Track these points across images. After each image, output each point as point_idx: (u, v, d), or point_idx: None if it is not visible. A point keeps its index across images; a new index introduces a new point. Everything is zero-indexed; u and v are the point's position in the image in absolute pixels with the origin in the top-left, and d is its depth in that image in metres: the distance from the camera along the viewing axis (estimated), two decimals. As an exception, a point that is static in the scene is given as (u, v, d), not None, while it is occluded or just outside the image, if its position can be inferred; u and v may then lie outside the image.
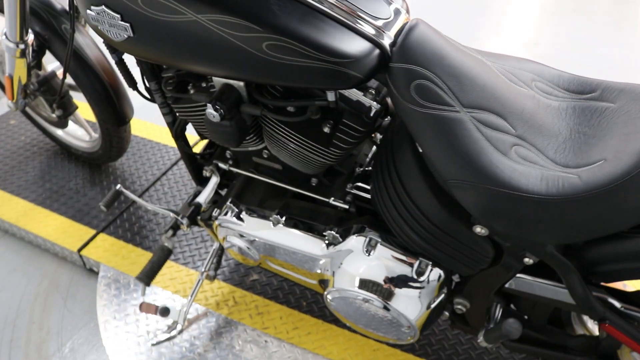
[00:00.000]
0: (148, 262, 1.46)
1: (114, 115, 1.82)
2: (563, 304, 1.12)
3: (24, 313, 1.78)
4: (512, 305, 1.28)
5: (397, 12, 1.06)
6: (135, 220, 1.93)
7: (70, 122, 2.13)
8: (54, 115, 1.92)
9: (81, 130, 2.16)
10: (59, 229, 1.92)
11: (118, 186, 1.49)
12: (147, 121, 2.29)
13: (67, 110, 1.88)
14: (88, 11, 1.07)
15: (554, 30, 3.25)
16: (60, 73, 1.87)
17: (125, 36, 1.06)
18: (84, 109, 2.04)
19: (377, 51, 1.00)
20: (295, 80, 1.01)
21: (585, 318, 1.37)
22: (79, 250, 1.84)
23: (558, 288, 1.10)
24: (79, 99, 2.00)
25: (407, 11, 1.11)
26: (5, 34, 1.59)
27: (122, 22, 1.03)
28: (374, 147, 1.36)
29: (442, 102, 0.98)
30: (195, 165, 1.53)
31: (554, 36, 3.20)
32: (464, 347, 1.54)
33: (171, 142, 2.23)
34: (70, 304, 1.79)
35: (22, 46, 1.60)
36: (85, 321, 1.74)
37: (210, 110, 1.11)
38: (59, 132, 2.17)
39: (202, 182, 1.57)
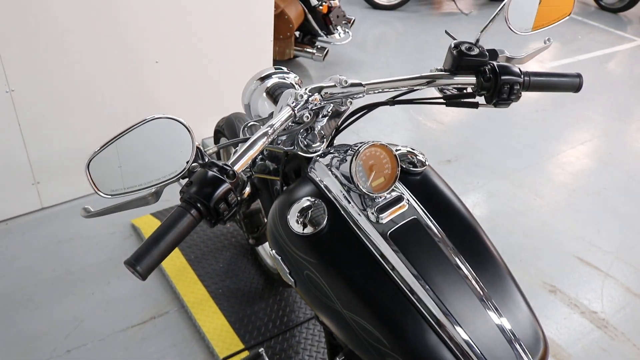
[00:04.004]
0: None
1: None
2: None
3: (164, 389, 2.09)
4: None
5: None
6: (276, 354, 2.12)
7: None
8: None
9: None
10: (218, 329, 2.20)
11: (261, 350, 1.68)
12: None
13: (258, 242, 2.15)
14: (272, 249, 1.26)
15: None
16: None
17: (290, 283, 1.23)
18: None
19: None
20: None
21: None
22: (224, 359, 2.09)
23: None
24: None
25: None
26: None
27: (289, 276, 1.20)
28: None
29: None
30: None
31: None
32: None
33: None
34: (199, 402, 2.05)
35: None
36: None
37: None
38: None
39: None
